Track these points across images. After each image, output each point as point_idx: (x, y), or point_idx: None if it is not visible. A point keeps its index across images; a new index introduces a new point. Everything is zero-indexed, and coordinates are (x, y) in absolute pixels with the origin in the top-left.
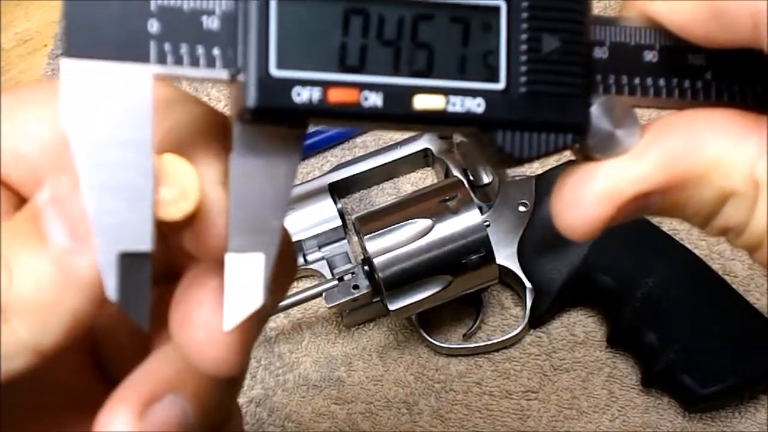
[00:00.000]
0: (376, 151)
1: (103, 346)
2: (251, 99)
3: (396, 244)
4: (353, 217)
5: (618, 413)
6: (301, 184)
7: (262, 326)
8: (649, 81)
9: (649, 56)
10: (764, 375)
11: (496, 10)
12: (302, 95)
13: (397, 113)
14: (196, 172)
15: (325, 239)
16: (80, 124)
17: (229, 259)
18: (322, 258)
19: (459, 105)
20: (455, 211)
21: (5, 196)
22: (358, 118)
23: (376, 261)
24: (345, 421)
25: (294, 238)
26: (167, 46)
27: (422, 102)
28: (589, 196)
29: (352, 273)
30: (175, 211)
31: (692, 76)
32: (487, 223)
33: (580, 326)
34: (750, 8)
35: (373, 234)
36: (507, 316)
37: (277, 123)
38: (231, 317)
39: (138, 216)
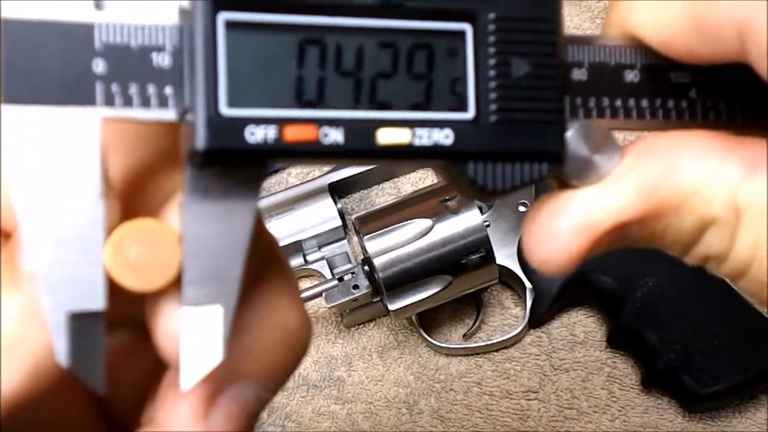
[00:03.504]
0: None
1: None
2: (200, 141)
3: (396, 244)
4: (353, 217)
5: (618, 413)
6: (301, 184)
7: (254, 422)
8: (632, 102)
9: (631, 76)
10: (764, 375)
11: (461, 34)
12: (256, 135)
13: (360, 149)
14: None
15: (325, 239)
16: (23, 173)
17: (185, 314)
18: (322, 258)
19: (426, 138)
20: (455, 211)
21: None
22: (318, 157)
23: (376, 261)
24: (345, 421)
25: (294, 238)
26: (114, 87)
27: (386, 136)
28: (564, 229)
29: (352, 273)
30: (146, 283)
31: (676, 95)
32: (487, 223)
33: (580, 326)
34: (734, 20)
35: (373, 234)
36: (507, 316)
37: (231, 165)
38: (189, 377)
39: (88, 270)
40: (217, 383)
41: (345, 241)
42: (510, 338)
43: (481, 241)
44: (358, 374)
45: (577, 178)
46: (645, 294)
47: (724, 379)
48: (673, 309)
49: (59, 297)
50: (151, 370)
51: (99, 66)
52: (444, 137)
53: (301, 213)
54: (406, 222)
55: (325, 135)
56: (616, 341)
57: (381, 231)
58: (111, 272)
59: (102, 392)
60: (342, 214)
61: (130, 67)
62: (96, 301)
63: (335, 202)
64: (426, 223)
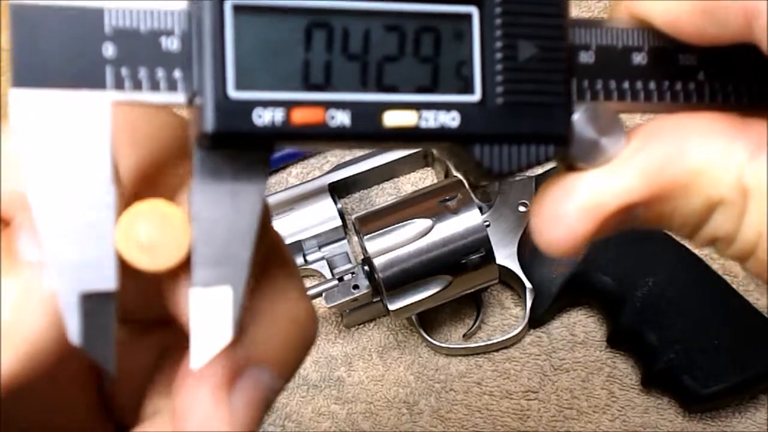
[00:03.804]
0: (376, 151)
1: (115, 401)
2: (209, 124)
3: (396, 244)
4: (353, 217)
5: (618, 413)
6: (301, 184)
7: (268, 409)
8: (639, 84)
9: (638, 58)
10: (764, 375)
11: (467, 17)
12: (264, 117)
13: (367, 131)
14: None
15: (325, 239)
16: (33, 155)
17: (195, 293)
18: (322, 258)
19: (432, 120)
20: (455, 211)
21: None
22: (325, 139)
23: (376, 261)
24: (345, 421)
25: (294, 238)
26: (124, 71)
27: (393, 119)
28: (571, 211)
29: (352, 273)
30: (157, 263)
31: (684, 77)
32: (487, 223)
33: (580, 326)
34: (741, 1)
35: (373, 234)
36: (507, 316)
37: (239, 147)
38: (199, 355)
39: (100, 252)
40: (235, 367)
41: (345, 241)
42: (510, 338)
43: (481, 241)
44: (358, 374)
45: (583, 161)
46: (645, 294)
47: (724, 379)
48: (673, 309)
49: (72, 278)
50: (149, 367)
51: (109, 50)
52: (450, 119)
53: (301, 213)
54: (406, 222)
55: (332, 117)
56: (616, 341)
57: (381, 231)
58: (122, 252)
59: (112, 373)
60: (342, 214)
61: (140, 51)
62: (108, 281)
63: (335, 202)
64: (426, 223)
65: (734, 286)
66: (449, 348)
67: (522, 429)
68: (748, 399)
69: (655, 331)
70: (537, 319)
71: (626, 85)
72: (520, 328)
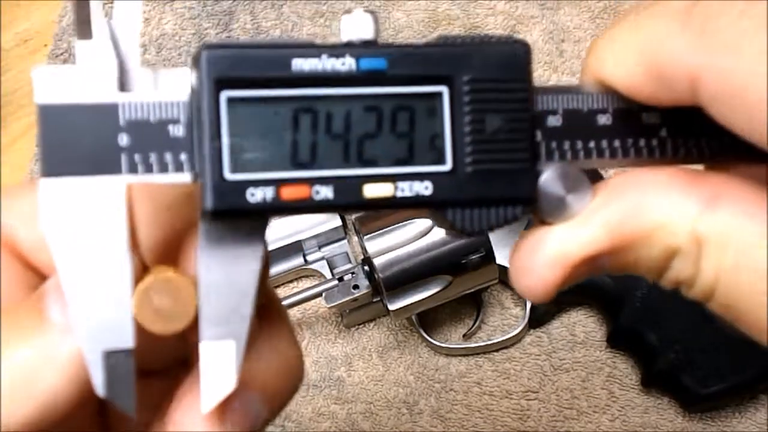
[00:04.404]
0: None
1: (112, 412)
2: (208, 203)
3: (396, 244)
4: (353, 217)
5: (618, 413)
6: None
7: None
8: (605, 143)
9: (603, 119)
10: (764, 375)
11: (438, 95)
12: (256, 195)
13: (349, 203)
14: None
15: (325, 239)
16: (60, 234)
17: (203, 347)
18: (322, 258)
19: (408, 190)
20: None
21: (28, 276)
22: (311, 210)
23: (376, 261)
24: (345, 421)
25: (294, 238)
26: (137, 157)
27: (372, 191)
28: (540, 263)
29: (352, 273)
30: (168, 327)
31: (647, 134)
32: None
33: (580, 326)
34: (686, 69)
35: (373, 234)
36: (507, 316)
37: (236, 221)
38: (208, 401)
39: (119, 316)
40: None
41: (345, 241)
42: (510, 338)
43: (481, 241)
44: (358, 374)
45: (551, 217)
46: (645, 294)
47: (724, 379)
48: (673, 309)
49: (95, 339)
50: (155, 401)
51: (123, 139)
52: (424, 188)
53: None
54: (406, 222)
55: (317, 192)
56: (616, 341)
57: (381, 231)
58: (137, 318)
59: (133, 417)
60: (342, 214)
61: (150, 138)
62: (127, 341)
63: None
64: (426, 223)
65: None
66: (449, 348)
67: (522, 429)
68: (748, 399)
69: (655, 331)
70: (537, 319)
71: (592, 144)
72: (520, 328)
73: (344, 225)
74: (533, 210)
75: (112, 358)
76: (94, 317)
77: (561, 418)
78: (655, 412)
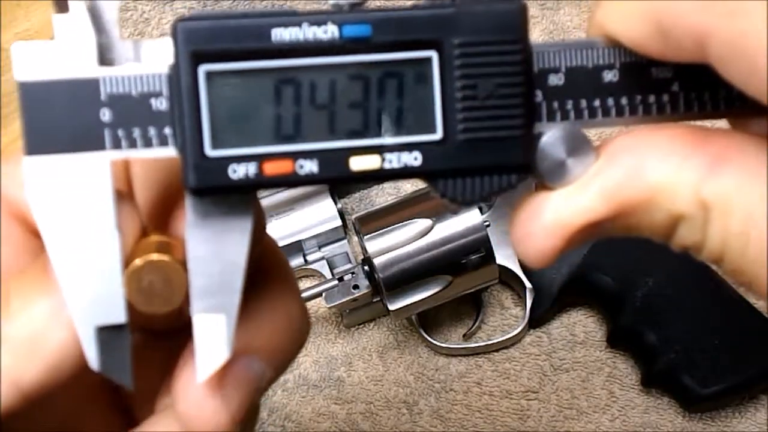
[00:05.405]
0: None
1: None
2: (190, 181)
3: (396, 244)
4: (353, 217)
5: (618, 413)
6: None
7: (258, 395)
8: (611, 101)
9: (609, 76)
10: (764, 375)
11: (427, 61)
12: (238, 172)
13: (334, 176)
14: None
15: (325, 239)
16: (47, 213)
17: (196, 320)
18: (322, 258)
19: (396, 161)
20: (455, 211)
21: (32, 241)
22: (296, 184)
23: (376, 261)
24: (345, 421)
25: (294, 238)
26: (121, 132)
27: (358, 163)
28: (539, 229)
29: (352, 273)
30: (159, 307)
31: (657, 90)
32: (487, 223)
33: (580, 326)
34: (692, 27)
35: (373, 234)
36: (507, 316)
37: (220, 196)
38: (203, 371)
39: (110, 291)
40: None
41: (345, 241)
42: (510, 338)
43: (481, 241)
44: (358, 374)
45: (551, 181)
46: (645, 294)
47: (724, 379)
48: (673, 309)
49: (87, 315)
50: (161, 367)
51: (106, 115)
52: (413, 159)
53: (301, 213)
54: (406, 222)
55: (301, 167)
56: (616, 341)
57: (381, 231)
58: (128, 298)
59: (130, 387)
60: (342, 214)
61: (133, 113)
62: (119, 316)
63: (335, 202)
64: (426, 223)
65: (734, 286)
66: (449, 348)
67: (522, 429)
68: (748, 399)
69: (654, 331)
70: (537, 319)
71: (597, 102)
72: (520, 328)
73: (344, 225)
74: (528, 177)
75: (104, 333)
76: (84, 294)
77: (561, 418)
78: (655, 412)
